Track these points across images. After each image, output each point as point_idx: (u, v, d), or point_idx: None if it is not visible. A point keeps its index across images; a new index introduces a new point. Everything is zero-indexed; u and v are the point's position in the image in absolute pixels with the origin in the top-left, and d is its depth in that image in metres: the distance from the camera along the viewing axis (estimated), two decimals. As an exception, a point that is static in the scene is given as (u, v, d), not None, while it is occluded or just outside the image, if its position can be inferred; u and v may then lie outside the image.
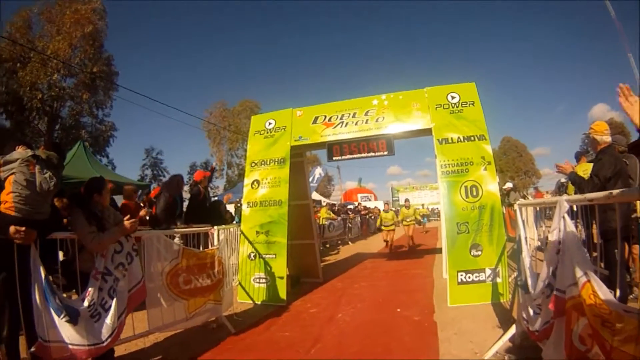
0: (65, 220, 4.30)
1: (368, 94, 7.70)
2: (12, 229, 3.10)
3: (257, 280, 7.09)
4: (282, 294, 6.85)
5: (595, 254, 3.76)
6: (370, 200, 43.83)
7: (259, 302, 6.88)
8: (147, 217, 7.04)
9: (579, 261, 2.29)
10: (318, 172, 24.49)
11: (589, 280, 2.15)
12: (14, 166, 3.35)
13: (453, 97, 6.92)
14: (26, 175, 3.34)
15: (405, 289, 7.42)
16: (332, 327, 5.40)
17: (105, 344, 3.59)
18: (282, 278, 6.97)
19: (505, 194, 13.73)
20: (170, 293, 4.54)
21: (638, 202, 4.84)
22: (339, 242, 18.38)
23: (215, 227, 5.75)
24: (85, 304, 3.48)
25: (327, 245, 16.61)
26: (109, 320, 3.63)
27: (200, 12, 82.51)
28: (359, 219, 22.20)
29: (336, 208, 21.60)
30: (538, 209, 8.79)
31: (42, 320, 3.18)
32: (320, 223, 15.56)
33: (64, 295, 3.67)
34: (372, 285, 8.09)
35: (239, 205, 11.72)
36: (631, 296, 4.55)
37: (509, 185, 15.16)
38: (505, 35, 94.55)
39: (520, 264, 3.87)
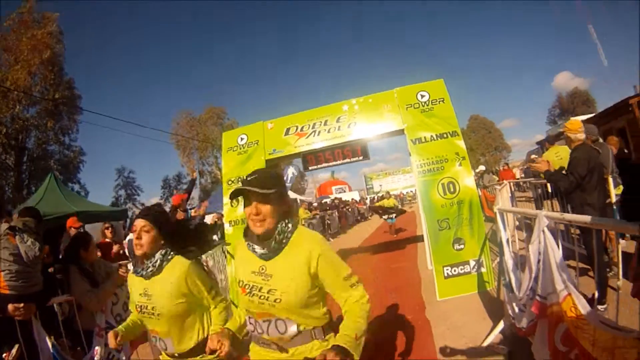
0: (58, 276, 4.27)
1: (337, 100, 7.79)
2: (10, 307, 3.15)
3: (249, 295, 7.16)
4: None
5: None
6: (345, 191, 44.06)
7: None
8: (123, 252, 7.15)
9: (559, 274, 2.53)
10: (291, 171, 24.55)
11: (569, 294, 2.39)
12: None
13: (423, 96, 7.10)
14: (10, 249, 3.33)
15: (394, 286, 7.66)
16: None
17: None
18: (274, 291, 7.06)
19: (479, 176, 14.23)
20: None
21: (612, 188, 5.25)
22: (320, 240, 18.41)
23: (204, 257, 5.82)
24: None
25: (309, 245, 16.72)
26: None
27: (155, 24, 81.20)
28: (336, 213, 22.44)
29: (313, 206, 21.81)
30: (513, 189, 9.19)
31: None
32: (300, 224, 15.69)
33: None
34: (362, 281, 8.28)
35: (217, 220, 11.78)
36: (610, 274, 4.90)
37: (481, 168, 15.73)
38: (463, 11, 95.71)
39: (503, 265, 4.15)
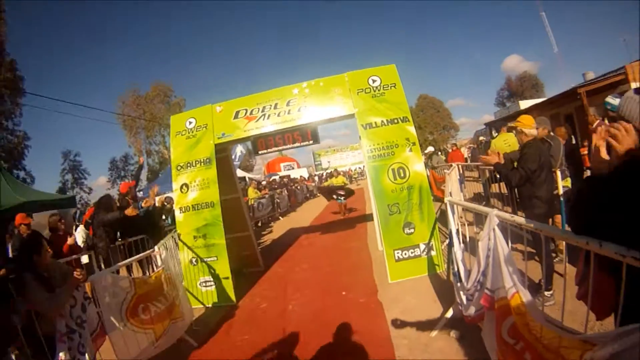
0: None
1: (287, 84, 7.71)
2: None
3: (203, 284, 7.17)
4: (230, 294, 7.01)
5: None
6: (293, 168, 44.11)
7: (210, 305, 7.01)
8: (81, 242, 6.94)
9: (508, 272, 2.63)
10: (239, 150, 24.39)
11: (517, 292, 2.51)
12: None
13: (374, 81, 7.14)
14: None
15: (346, 267, 7.81)
16: (287, 322, 5.65)
17: None
18: (227, 278, 7.09)
19: (427, 157, 14.57)
20: (132, 327, 4.52)
21: (559, 181, 5.49)
22: (270, 218, 18.60)
23: (156, 248, 5.73)
24: None
25: (259, 224, 16.77)
26: None
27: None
28: (285, 192, 22.44)
29: (262, 184, 21.74)
30: (461, 171, 9.43)
31: None
32: (249, 204, 15.67)
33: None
34: (313, 267, 8.41)
35: (165, 203, 11.56)
36: (556, 260, 5.15)
37: (430, 149, 16.09)
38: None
39: (452, 255, 4.28)
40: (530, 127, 4.77)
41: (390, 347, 4.28)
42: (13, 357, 3.17)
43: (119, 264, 5.32)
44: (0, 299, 3.37)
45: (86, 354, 3.77)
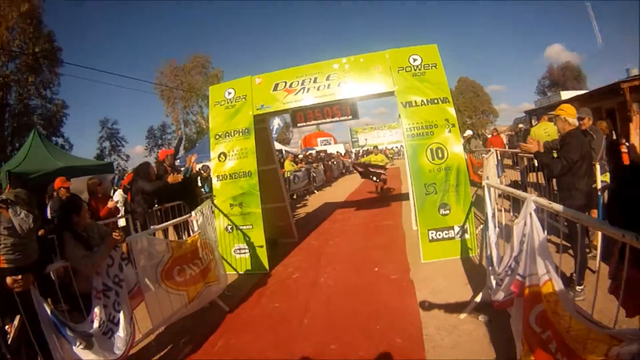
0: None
1: (327, 58, 7.66)
2: (9, 280, 3.15)
3: (238, 251, 7.38)
4: (264, 262, 7.19)
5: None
6: (330, 143, 43.98)
7: (243, 272, 7.23)
8: (119, 206, 7.12)
9: (542, 259, 2.61)
10: (277, 122, 24.37)
11: (550, 280, 2.50)
12: None
13: (415, 60, 7.02)
14: (3, 223, 3.31)
15: (379, 244, 7.84)
16: (318, 293, 5.81)
17: (122, 355, 3.81)
18: (261, 247, 7.27)
19: (466, 141, 14.31)
20: (167, 289, 4.72)
21: (598, 174, 5.35)
22: (305, 192, 18.74)
23: (193, 213, 5.90)
24: (96, 325, 3.65)
25: (295, 197, 16.93)
26: (121, 333, 3.86)
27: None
28: (322, 166, 22.53)
29: (299, 158, 21.84)
30: (499, 157, 9.26)
31: (59, 352, 3.29)
32: (286, 177, 15.80)
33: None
34: (347, 241, 8.50)
35: (201, 171, 11.75)
36: (590, 255, 5.05)
37: (468, 132, 15.75)
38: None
39: (486, 239, 4.25)
40: (572, 116, 4.64)
41: (418, 324, 4.33)
42: (48, 310, 3.32)
43: (156, 226, 5.48)
44: (40, 256, 3.54)
45: (122, 312, 3.94)
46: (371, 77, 7.22)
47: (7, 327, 3.24)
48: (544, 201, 2.90)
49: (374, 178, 13.59)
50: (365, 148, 34.67)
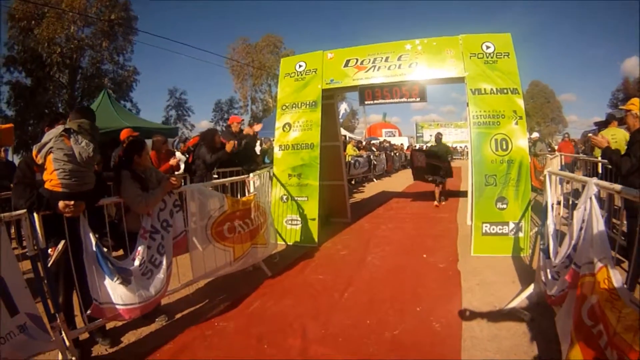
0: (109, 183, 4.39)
1: (397, 39, 7.61)
2: (61, 204, 3.29)
3: (290, 222, 7.48)
4: (314, 235, 7.26)
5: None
6: (394, 135, 43.52)
7: (291, 243, 7.32)
8: (180, 166, 7.28)
9: (599, 245, 2.46)
10: (343, 107, 24.34)
11: (605, 266, 2.34)
12: (49, 145, 3.36)
13: (488, 47, 6.80)
14: (64, 150, 3.37)
15: (431, 233, 7.71)
16: (363, 270, 5.78)
17: (156, 298, 3.98)
18: (313, 220, 7.34)
19: (532, 143, 13.72)
20: (214, 243, 4.83)
21: None
22: (364, 179, 18.63)
23: (251, 175, 5.98)
24: (137, 263, 3.80)
25: (353, 182, 16.85)
26: (160, 275, 4.01)
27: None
28: (383, 155, 22.31)
29: (362, 145, 21.73)
30: (563, 162, 8.84)
31: (96, 284, 3.47)
32: (347, 160, 15.74)
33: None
34: (399, 227, 8.41)
35: (263, 144, 11.89)
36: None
37: (535, 135, 15.11)
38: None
39: (545, 229, 4.05)
40: None
41: (459, 312, 4.23)
42: (93, 240, 3.45)
43: (213, 181, 5.60)
44: (95, 189, 3.68)
45: (164, 256, 4.08)
46: (442, 61, 7.06)
47: (50, 250, 3.38)
48: (605, 183, 2.73)
49: (432, 178, 10.80)
50: (429, 143, 33.91)
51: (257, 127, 8.28)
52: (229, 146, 7.16)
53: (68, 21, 28.67)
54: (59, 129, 3.43)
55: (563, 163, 9.83)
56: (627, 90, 52.31)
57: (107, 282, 3.55)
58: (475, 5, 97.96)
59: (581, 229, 2.82)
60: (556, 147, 16.70)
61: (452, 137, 48.10)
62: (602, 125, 9.25)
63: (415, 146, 36.86)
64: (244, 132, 7.90)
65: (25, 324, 2.93)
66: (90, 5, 30.15)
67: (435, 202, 10.74)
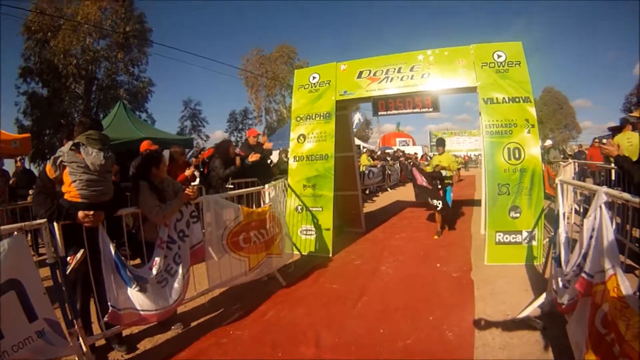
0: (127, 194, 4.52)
1: (410, 50, 7.64)
2: (80, 214, 3.40)
3: (304, 232, 7.55)
4: (328, 245, 7.31)
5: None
6: (408, 144, 43.28)
7: (306, 253, 7.36)
8: (196, 176, 7.36)
9: (609, 253, 2.48)
10: (357, 117, 24.45)
11: (615, 274, 2.35)
12: (63, 159, 3.48)
13: (499, 56, 6.82)
14: (77, 162, 3.49)
15: (444, 243, 7.71)
16: (376, 280, 5.82)
17: (172, 306, 4.07)
18: (328, 230, 7.40)
19: (545, 151, 13.62)
20: (230, 252, 4.92)
21: None
22: (378, 189, 18.63)
23: (267, 186, 6.06)
24: (154, 272, 3.90)
25: (367, 192, 16.84)
26: (176, 284, 4.10)
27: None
28: (397, 165, 22.28)
29: (376, 155, 21.75)
30: (577, 168, 8.77)
31: (114, 291, 3.56)
32: (361, 170, 15.75)
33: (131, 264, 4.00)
34: (412, 237, 8.42)
35: (281, 155, 12.00)
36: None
37: (549, 142, 14.99)
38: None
39: (556, 238, 4.05)
40: None
41: (471, 320, 4.25)
42: (112, 249, 3.55)
43: (229, 193, 5.68)
44: (114, 199, 3.79)
45: (180, 265, 4.16)
46: (454, 71, 7.10)
47: (69, 258, 3.48)
48: (614, 192, 2.75)
49: (435, 202, 8.40)
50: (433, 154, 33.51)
51: (268, 145, 8.38)
52: (252, 157, 7.29)
53: (83, 33, 29.25)
54: (68, 144, 3.55)
55: (577, 170, 9.74)
56: (639, 95, 51.66)
57: (125, 289, 3.65)
58: (487, 13, 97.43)
59: (591, 237, 2.83)
60: (572, 154, 16.56)
61: (467, 145, 47.85)
62: (616, 131, 9.19)
63: (428, 155, 36.56)
64: (264, 147, 8.00)
65: (44, 329, 3.01)
66: (106, 17, 30.72)
67: (435, 235, 8.43)
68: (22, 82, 29.72)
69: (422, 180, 8.68)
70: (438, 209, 8.30)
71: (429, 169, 9.10)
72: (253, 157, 7.35)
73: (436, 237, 8.29)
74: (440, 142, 9.19)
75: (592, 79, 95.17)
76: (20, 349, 2.81)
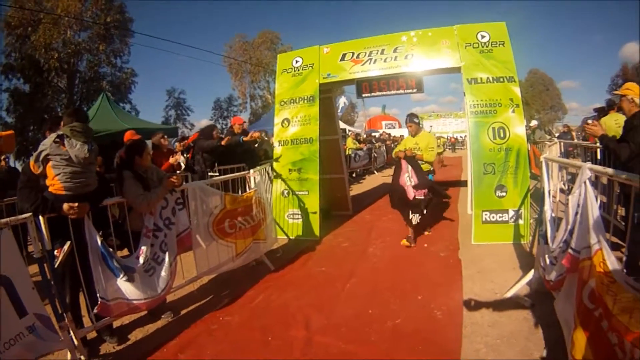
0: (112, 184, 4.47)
1: (394, 31, 7.59)
2: (65, 206, 3.35)
3: (291, 216, 7.54)
4: (316, 229, 7.32)
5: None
6: (394, 127, 43.23)
7: (293, 237, 7.38)
8: (182, 163, 7.33)
9: (594, 228, 2.48)
10: (342, 101, 24.40)
11: (601, 249, 2.36)
12: (46, 152, 3.41)
13: (483, 37, 6.80)
14: (61, 155, 3.43)
15: (432, 223, 7.65)
16: (365, 261, 5.87)
17: (161, 294, 4.06)
18: (315, 213, 7.40)
19: (531, 131, 13.69)
20: (216, 239, 4.91)
21: None
22: (365, 171, 18.68)
23: (252, 171, 6.03)
24: (141, 261, 3.88)
25: (354, 175, 16.88)
26: (163, 273, 4.09)
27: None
28: (384, 147, 22.30)
29: (362, 137, 21.74)
30: (562, 148, 8.82)
31: (102, 282, 3.54)
32: (347, 154, 15.76)
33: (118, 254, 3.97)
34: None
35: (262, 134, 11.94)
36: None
37: (534, 123, 15.06)
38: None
39: (542, 215, 4.08)
40: (637, 95, 4.22)
41: (460, 300, 4.28)
42: (98, 240, 3.51)
43: (214, 179, 5.65)
44: (98, 190, 3.74)
45: (167, 253, 4.15)
46: (438, 52, 7.06)
47: (56, 251, 3.43)
48: (599, 167, 2.76)
49: (414, 218, 6.40)
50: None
51: (256, 134, 8.34)
52: (225, 140, 7.26)
53: (64, 26, 28.81)
54: (51, 137, 3.48)
55: (562, 150, 9.81)
56: (625, 76, 52.00)
57: (113, 280, 3.63)
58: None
59: (577, 213, 2.85)
60: (558, 134, 16.68)
61: (453, 127, 47.91)
62: (601, 112, 9.22)
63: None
64: (254, 137, 7.96)
65: (34, 324, 2.98)
66: (86, 9, 30.26)
67: (406, 243, 6.47)
68: (3, 79, 29.21)
69: (408, 185, 6.35)
70: (412, 223, 6.42)
71: (398, 149, 6.86)
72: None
73: (407, 243, 6.43)
74: (413, 118, 6.72)
75: (578, 60, 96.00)
76: (12, 346, 2.78)
